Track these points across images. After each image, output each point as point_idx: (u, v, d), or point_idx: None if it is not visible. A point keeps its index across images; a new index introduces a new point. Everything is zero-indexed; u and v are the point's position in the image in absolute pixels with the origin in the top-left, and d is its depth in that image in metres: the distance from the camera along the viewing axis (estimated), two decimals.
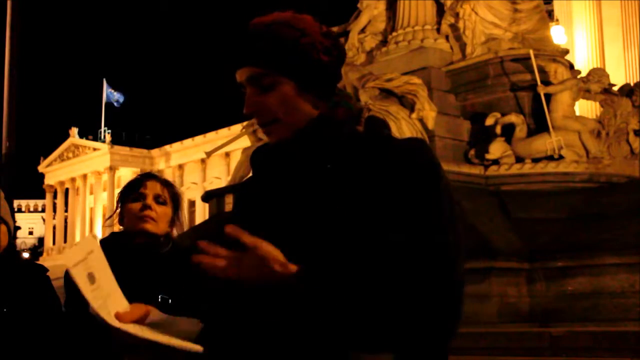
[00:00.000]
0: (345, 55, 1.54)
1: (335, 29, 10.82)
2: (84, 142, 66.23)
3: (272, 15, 1.48)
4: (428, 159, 1.44)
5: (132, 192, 2.51)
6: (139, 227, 2.46)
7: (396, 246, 1.33)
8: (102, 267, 1.66)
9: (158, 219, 2.48)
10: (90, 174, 64.08)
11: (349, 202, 1.38)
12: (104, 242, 2.48)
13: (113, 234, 2.56)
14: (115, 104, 66.00)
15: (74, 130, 66.79)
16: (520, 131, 8.88)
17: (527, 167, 8.68)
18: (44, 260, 54.12)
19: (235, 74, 1.49)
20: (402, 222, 1.35)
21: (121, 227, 2.58)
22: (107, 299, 1.60)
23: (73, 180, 66.12)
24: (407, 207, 1.37)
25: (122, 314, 1.59)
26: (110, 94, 66.11)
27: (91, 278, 1.58)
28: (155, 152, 63.52)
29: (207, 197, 10.76)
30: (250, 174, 1.68)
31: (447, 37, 10.15)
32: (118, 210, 2.56)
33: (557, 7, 22.95)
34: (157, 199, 2.50)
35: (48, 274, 2.68)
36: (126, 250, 2.43)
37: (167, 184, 2.57)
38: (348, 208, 1.37)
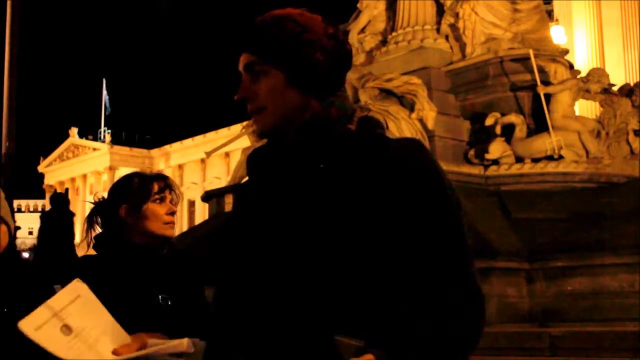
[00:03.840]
0: (350, 60, 1.55)
1: None
2: (83, 142, 66.26)
3: (284, 10, 1.52)
4: (428, 162, 1.44)
5: (157, 193, 2.43)
6: (164, 233, 2.41)
7: (414, 255, 1.37)
8: (90, 310, 1.70)
9: (175, 223, 2.47)
10: (90, 174, 64.11)
11: (344, 203, 1.38)
12: (100, 243, 2.45)
13: (107, 233, 2.45)
14: (107, 106, 66.10)
15: (74, 130, 66.81)
16: (520, 131, 8.89)
17: (527, 167, 8.68)
18: None
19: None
20: (411, 228, 1.37)
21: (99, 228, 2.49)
22: (100, 339, 1.66)
23: (73, 180, 66.09)
24: (413, 213, 1.38)
25: (120, 349, 1.68)
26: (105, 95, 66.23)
27: (66, 330, 1.62)
28: (155, 152, 63.54)
29: (207, 197, 10.76)
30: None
31: (447, 37, 10.15)
32: (126, 207, 2.41)
33: (557, 7, 22.94)
34: (171, 203, 2.47)
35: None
36: (126, 251, 2.40)
37: (171, 188, 2.54)
38: (343, 209, 1.37)
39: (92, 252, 2.49)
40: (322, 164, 1.44)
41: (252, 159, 1.59)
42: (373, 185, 1.39)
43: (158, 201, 2.41)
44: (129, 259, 2.34)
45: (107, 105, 66.45)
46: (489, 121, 8.98)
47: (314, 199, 1.41)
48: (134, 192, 2.42)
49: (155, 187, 2.43)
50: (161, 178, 2.50)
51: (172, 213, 2.43)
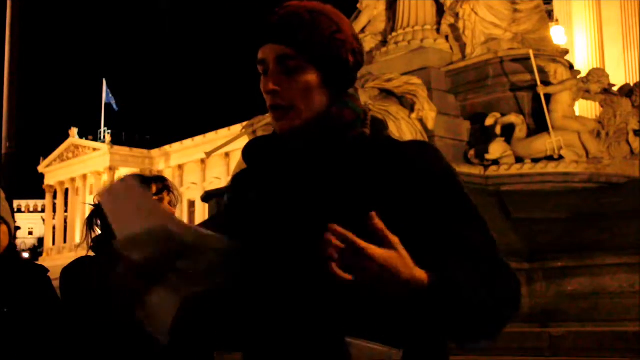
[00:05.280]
0: (363, 63, 1.53)
1: None
2: (83, 142, 66.19)
3: (312, 2, 1.47)
4: (444, 162, 1.47)
5: (155, 194, 2.45)
6: None
7: (445, 243, 1.38)
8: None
9: None
10: (90, 174, 64.04)
11: (358, 204, 1.36)
12: (99, 244, 2.45)
13: (106, 235, 2.48)
14: (113, 105, 66.05)
15: (74, 131, 66.74)
16: (520, 131, 8.89)
17: (527, 168, 8.68)
18: (43, 260, 54.10)
19: (261, 49, 1.46)
20: (440, 222, 1.40)
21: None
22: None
23: (73, 180, 66.06)
24: (440, 209, 1.40)
25: None
26: (108, 96, 66.17)
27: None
28: (155, 152, 63.50)
29: (207, 197, 10.75)
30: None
31: (447, 38, 10.16)
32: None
33: (557, 7, 22.94)
34: (170, 204, 2.49)
35: (48, 274, 2.68)
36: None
37: (169, 189, 2.54)
38: (356, 210, 1.34)
39: (91, 253, 2.50)
40: (336, 166, 1.42)
41: (253, 151, 1.56)
42: (392, 185, 1.39)
43: None
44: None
45: (113, 105, 66.38)
46: (489, 121, 8.99)
47: (328, 199, 1.39)
48: None
49: (154, 189, 2.45)
50: (159, 179, 2.51)
51: None
